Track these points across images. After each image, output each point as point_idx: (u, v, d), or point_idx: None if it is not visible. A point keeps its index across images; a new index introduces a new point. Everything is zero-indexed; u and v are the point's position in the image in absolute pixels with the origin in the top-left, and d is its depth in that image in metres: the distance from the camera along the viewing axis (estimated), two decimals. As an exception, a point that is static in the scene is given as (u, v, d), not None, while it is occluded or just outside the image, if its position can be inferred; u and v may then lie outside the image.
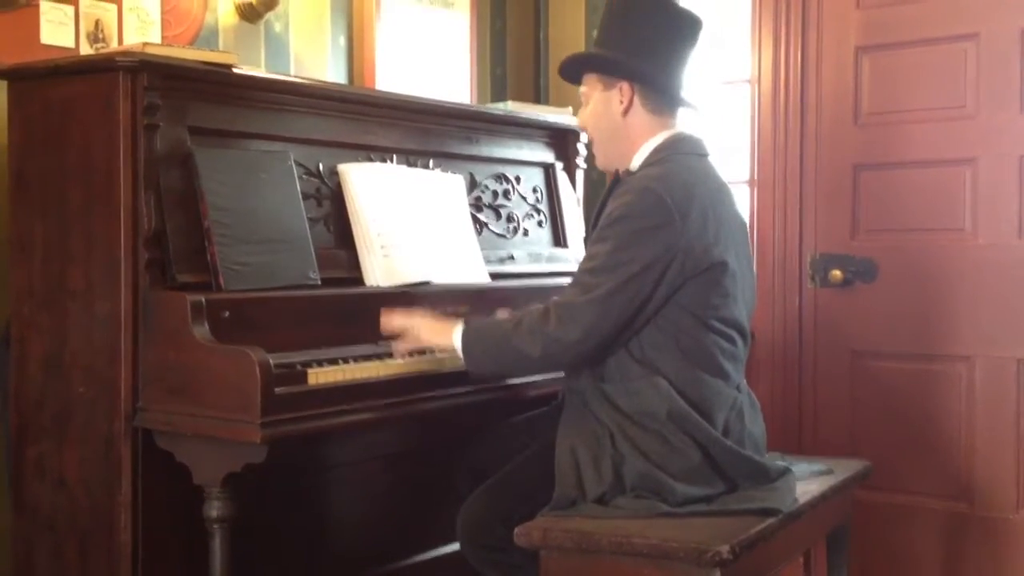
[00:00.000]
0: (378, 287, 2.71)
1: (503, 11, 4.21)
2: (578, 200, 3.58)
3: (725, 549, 2.09)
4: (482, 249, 3.10)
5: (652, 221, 2.33)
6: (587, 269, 2.38)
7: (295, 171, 2.65)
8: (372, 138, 2.93)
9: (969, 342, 3.44)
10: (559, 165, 3.52)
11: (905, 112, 3.54)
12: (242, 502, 2.35)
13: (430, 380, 2.58)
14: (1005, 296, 3.37)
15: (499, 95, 4.14)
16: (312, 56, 3.48)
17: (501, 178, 3.33)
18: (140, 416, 2.37)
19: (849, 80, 3.62)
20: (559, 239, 3.48)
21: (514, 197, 3.36)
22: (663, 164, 2.44)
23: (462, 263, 2.99)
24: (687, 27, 2.51)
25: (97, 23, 2.88)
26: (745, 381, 2.53)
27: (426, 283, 2.82)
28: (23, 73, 2.54)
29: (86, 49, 2.84)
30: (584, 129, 2.63)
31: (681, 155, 2.47)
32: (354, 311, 2.61)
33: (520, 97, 4.15)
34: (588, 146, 2.70)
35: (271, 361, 2.23)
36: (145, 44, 2.43)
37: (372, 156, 2.92)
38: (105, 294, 2.40)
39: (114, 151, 2.38)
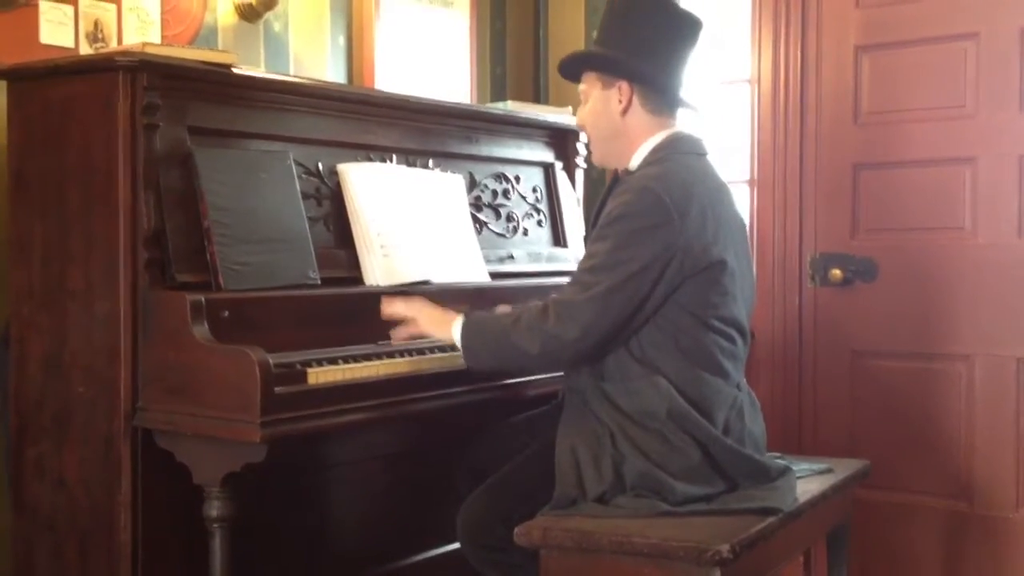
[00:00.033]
0: (378, 287, 2.71)
1: (503, 11, 4.21)
2: (578, 200, 3.58)
3: (725, 548, 2.09)
4: (482, 249, 3.10)
5: (651, 220, 2.33)
6: (586, 267, 2.38)
7: (295, 171, 2.65)
8: (372, 138, 2.93)
9: (969, 341, 3.44)
10: (559, 165, 3.52)
11: (905, 111, 3.54)
12: (242, 502, 2.35)
13: (430, 380, 2.58)
14: (1005, 295, 3.37)
15: (499, 95, 4.14)
16: (311, 56, 3.48)
17: (501, 178, 3.33)
18: (140, 416, 2.37)
19: (849, 80, 3.62)
20: (559, 239, 3.48)
21: (514, 197, 3.36)
22: (662, 163, 2.44)
23: (462, 263, 2.99)
24: (687, 27, 2.51)
25: (96, 23, 2.88)
26: (745, 380, 2.53)
27: (426, 282, 2.82)
28: (22, 73, 2.54)
29: (85, 49, 2.84)
30: (583, 128, 2.63)
31: (680, 154, 2.47)
32: (354, 311, 2.61)
33: (520, 97, 4.15)
34: (587, 145, 2.69)
35: (271, 361, 2.23)
36: (144, 44, 2.43)
37: (372, 156, 2.92)
38: (105, 294, 2.40)
39: (113, 151, 2.38)
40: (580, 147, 3.54)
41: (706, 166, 2.52)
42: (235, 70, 2.56)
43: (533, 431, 2.71)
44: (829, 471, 2.71)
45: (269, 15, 3.32)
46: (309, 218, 2.65)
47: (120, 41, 2.90)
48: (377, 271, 2.74)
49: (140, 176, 2.38)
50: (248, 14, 3.26)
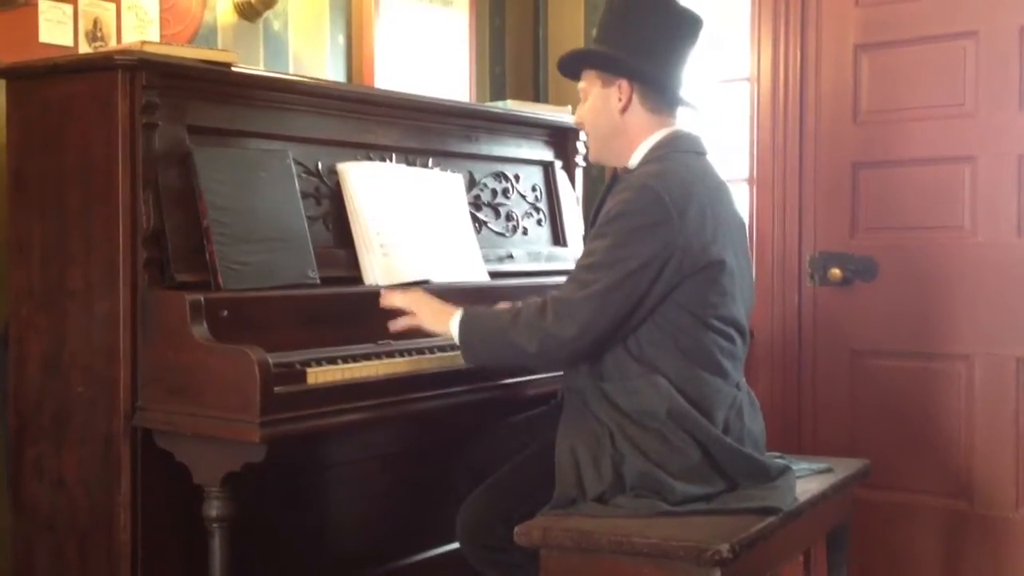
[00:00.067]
0: (377, 286, 2.71)
1: (502, 9, 4.21)
2: (577, 199, 3.58)
3: (725, 548, 2.09)
4: (481, 248, 3.09)
5: (650, 218, 2.33)
6: (585, 265, 2.38)
7: (294, 170, 2.65)
8: (371, 137, 2.92)
9: (968, 340, 3.44)
10: (558, 164, 3.52)
11: (904, 110, 3.54)
12: (241, 502, 2.35)
13: (429, 379, 2.58)
14: (1004, 294, 3.37)
15: (498, 93, 4.14)
16: (311, 54, 3.48)
17: (500, 176, 3.33)
18: (139, 416, 2.37)
19: (848, 78, 3.61)
20: (558, 238, 3.48)
21: (513, 196, 3.36)
22: (661, 162, 2.44)
23: (461, 262, 2.99)
24: (687, 26, 2.51)
25: (96, 22, 2.87)
26: (744, 379, 2.53)
27: (425, 282, 2.82)
28: (21, 72, 2.53)
29: (85, 48, 2.83)
30: (582, 126, 2.63)
31: (679, 153, 2.47)
32: (353, 310, 2.61)
33: (519, 95, 4.15)
34: (587, 143, 2.69)
35: (270, 360, 2.23)
36: (144, 43, 2.43)
37: (371, 155, 2.92)
38: (104, 294, 2.40)
39: (113, 150, 2.38)
40: (580, 146, 3.54)
41: (705, 165, 2.52)
42: (234, 69, 2.56)
43: (533, 431, 2.71)
44: (829, 471, 2.71)
45: (268, 14, 3.31)
46: (308, 217, 2.65)
47: (119, 40, 2.90)
48: (376, 270, 2.74)
49: (139, 175, 2.37)
50: (247, 13, 3.26)
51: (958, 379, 3.46)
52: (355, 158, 2.86)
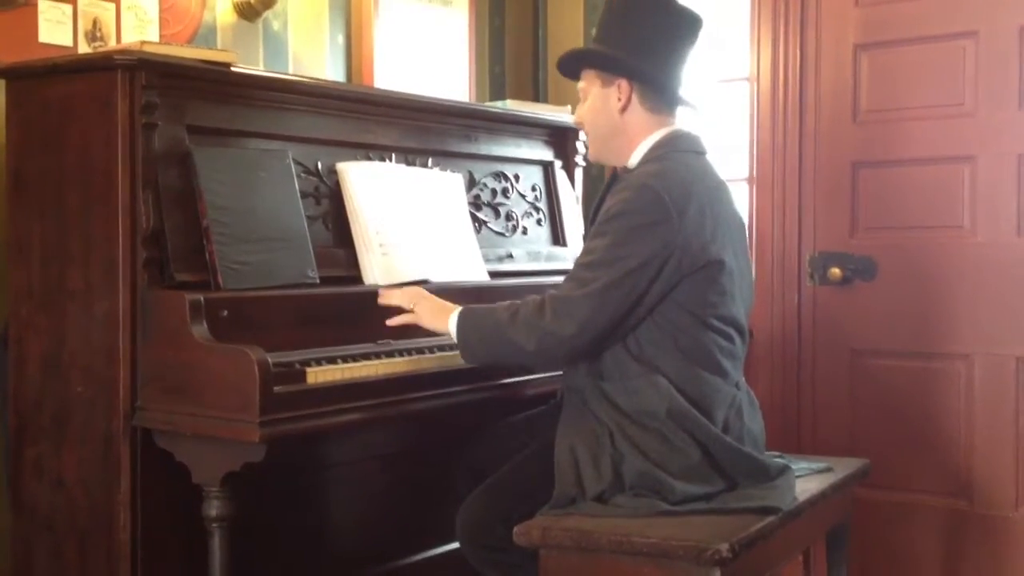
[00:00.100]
0: (377, 286, 2.71)
1: (502, 9, 4.21)
2: (577, 198, 3.58)
3: (725, 547, 2.09)
4: (481, 247, 3.09)
5: (650, 218, 2.33)
6: (584, 264, 2.38)
7: (294, 170, 2.65)
8: (371, 136, 2.92)
9: (968, 340, 3.44)
10: (558, 163, 3.52)
11: (904, 110, 3.54)
12: (241, 501, 2.35)
13: (429, 379, 2.58)
14: (1004, 294, 3.37)
15: (498, 93, 4.14)
16: (310, 54, 3.48)
17: (500, 176, 3.33)
18: (139, 415, 2.37)
19: (848, 78, 3.61)
20: (558, 237, 3.48)
21: (513, 195, 3.36)
22: (661, 161, 2.44)
23: (461, 261, 2.99)
24: (686, 25, 2.51)
25: (95, 22, 2.87)
26: (744, 379, 2.53)
27: (425, 281, 2.81)
28: (21, 72, 2.53)
29: (84, 48, 2.83)
30: (581, 125, 2.63)
31: (679, 152, 2.47)
32: (353, 310, 2.61)
33: (519, 95, 4.15)
34: (586, 143, 2.69)
35: (270, 360, 2.23)
36: (143, 43, 2.43)
37: (371, 155, 2.92)
38: (103, 294, 2.40)
39: (112, 150, 2.38)
40: (579, 145, 3.54)
41: (705, 164, 2.52)
42: (234, 69, 2.56)
43: (532, 431, 2.71)
44: (828, 470, 2.71)
45: (268, 14, 3.31)
46: (308, 217, 2.65)
47: (119, 40, 2.90)
48: (376, 270, 2.74)
49: (139, 175, 2.37)
50: (247, 13, 3.26)
51: (958, 379, 3.46)
52: (355, 158, 2.86)
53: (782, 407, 3.71)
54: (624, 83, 2.49)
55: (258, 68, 3.23)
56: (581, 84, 2.57)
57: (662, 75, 2.49)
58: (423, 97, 3.15)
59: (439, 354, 2.66)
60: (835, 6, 3.63)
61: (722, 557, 2.08)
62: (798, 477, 2.54)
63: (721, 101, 3.96)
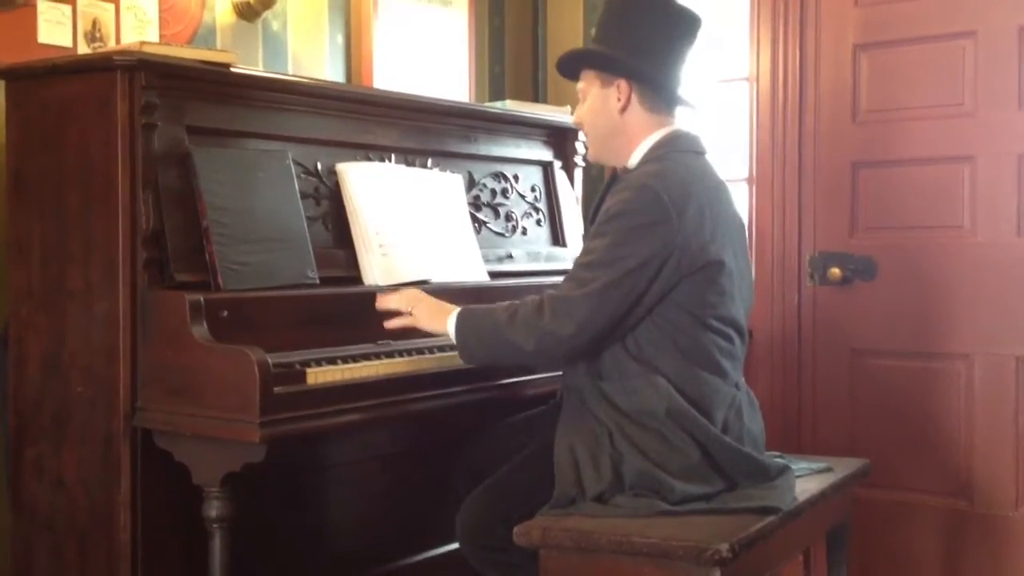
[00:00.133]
0: (377, 286, 2.71)
1: (501, 9, 4.21)
2: (576, 199, 3.58)
3: (724, 547, 2.09)
4: (481, 248, 3.09)
5: (649, 218, 2.33)
6: (583, 263, 2.38)
7: (293, 170, 2.65)
8: (370, 137, 2.92)
9: (968, 340, 3.44)
10: (557, 164, 3.52)
11: (903, 110, 3.54)
12: (241, 502, 2.35)
13: (429, 379, 2.58)
14: (1004, 294, 3.37)
15: (497, 94, 4.14)
16: (310, 55, 3.48)
17: (500, 177, 3.33)
18: (139, 416, 2.37)
19: (847, 78, 3.61)
20: (558, 238, 3.48)
21: (512, 196, 3.36)
22: (661, 162, 2.44)
23: (461, 262, 2.99)
24: (685, 25, 2.51)
25: (95, 22, 2.87)
26: (743, 379, 2.53)
27: (425, 282, 2.82)
28: (21, 73, 2.53)
29: (84, 48, 2.83)
30: (581, 126, 2.63)
31: (679, 153, 2.47)
32: (353, 310, 2.61)
33: (518, 96, 4.15)
34: (586, 143, 2.69)
35: (270, 360, 2.23)
36: (143, 43, 2.43)
37: (370, 155, 2.92)
38: (103, 294, 2.40)
39: (112, 150, 2.38)
40: (579, 146, 3.54)
41: (705, 164, 2.52)
42: (233, 69, 2.56)
43: (531, 431, 2.71)
44: (828, 470, 2.71)
45: (267, 14, 3.31)
46: (308, 217, 2.65)
47: (118, 40, 2.90)
48: (376, 270, 2.74)
49: (139, 176, 2.37)
50: (246, 13, 3.26)
51: (958, 379, 3.46)
52: (354, 158, 2.86)
53: (782, 407, 3.71)
54: (623, 83, 2.49)
55: (257, 68, 3.23)
56: (580, 85, 2.57)
57: (661, 75, 2.49)
58: (423, 97, 3.15)
59: (439, 354, 2.66)
60: (835, 6, 3.63)
61: (722, 557, 2.08)
62: (798, 477, 2.54)
63: (721, 101, 3.96)
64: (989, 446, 3.41)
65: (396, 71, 3.66)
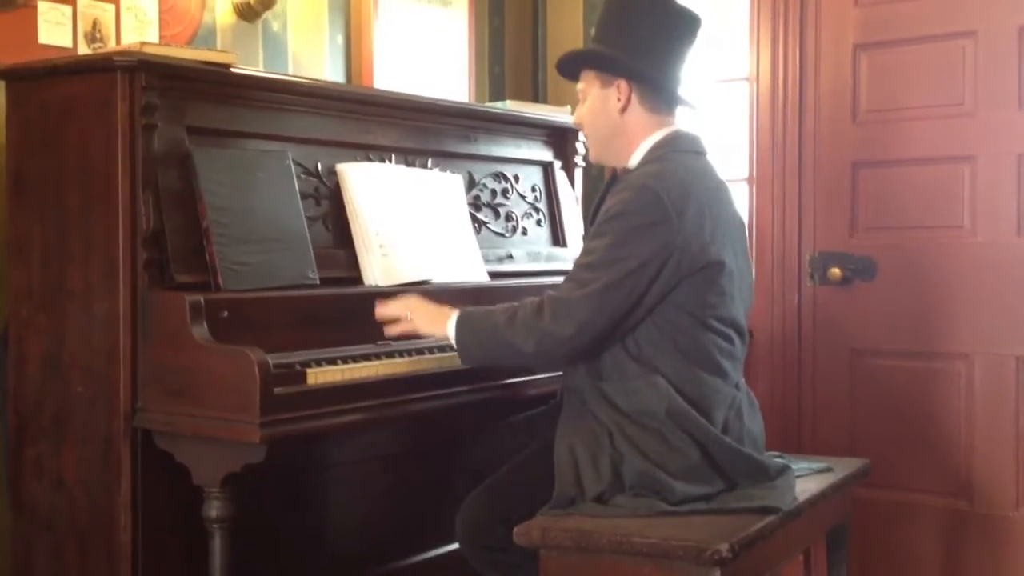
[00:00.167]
0: (377, 286, 2.71)
1: (501, 9, 4.21)
2: (576, 199, 3.58)
3: (725, 547, 2.09)
4: (481, 248, 3.10)
5: (649, 218, 2.33)
6: (583, 264, 2.38)
7: (293, 170, 2.65)
8: (370, 137, 2.92)
9: (968, 340, 3.44)
10: (558, 164, 3.52)
11: (903, 110, 3.54)
12: (241, 502, 2.35)
13: (429, 380, 2.58)
14: (1004, 294, 3.37)
15: (497, 94, 4.14)
16: (310, 55, 3.48)
17: (500, 177, 3.33)
18: (139, 416, 2.37)
19: (847, 78, 3.61)
20: (558, 238, 3.48)
21: (513, 196, 3.36)
22: (661, 162, 2.44)
23: (461, 262, 2.99)
24: (685, 25, 2.51)
25: (95, 23, 2.87)
26: (743, 379, 2.53)
27: (425, 282, 2.82)
28: (21, 73, 2.53)
29: (84, 49, 2.83)
30: (580, 126, 2.63)
31: (679, 153, 2.47)
32: (353, 311, 2.61)
33: (518, 96, 4.15)
34: (586, 144, 2.69)
35: (270, 361, 2.23)
36: (143, 44, 2.43)
37: (371, 155, 2.92)
38: (104, 294, 2.40)
39: (112, 151, 2.38)
40: (579, 146, 3.54)
41: (705, 165, 2.52)
42: (233, 70, 2.56)
43: (532, 431, 2.71)
44: (828, 470, 2.71)
45: (268, 14, 3.31)
46: (308, 218, 2.65)
47: (118, 41, 2.90)
48: (376, 271, 2.74)
49: (139, 176, 2.38)
50: (246, 13, 3.26)
51: (958, 379, 3.46)
52: (354, 159, 2.86)
53: (782, 407, 3.71)
54: (623, 83, 2.48)
55: (258, 69, 3.23)
56: (580, 85, 2.57)
57: (661, 75, 2.49)
58: (423, 98, 3.15)
59: (439, 355, 2.66)
60: (835, 6, 3.63)
61: (722, 557, 2.08)
62: (798, 477, 2.54)
63: (721, 101, 3.96)
64: (989, 446, 3.41)
65: (396, 71, 3.67)
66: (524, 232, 3.38)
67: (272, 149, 2.65)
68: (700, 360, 2.39)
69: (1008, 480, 3.39)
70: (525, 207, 3.40)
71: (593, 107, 2.54)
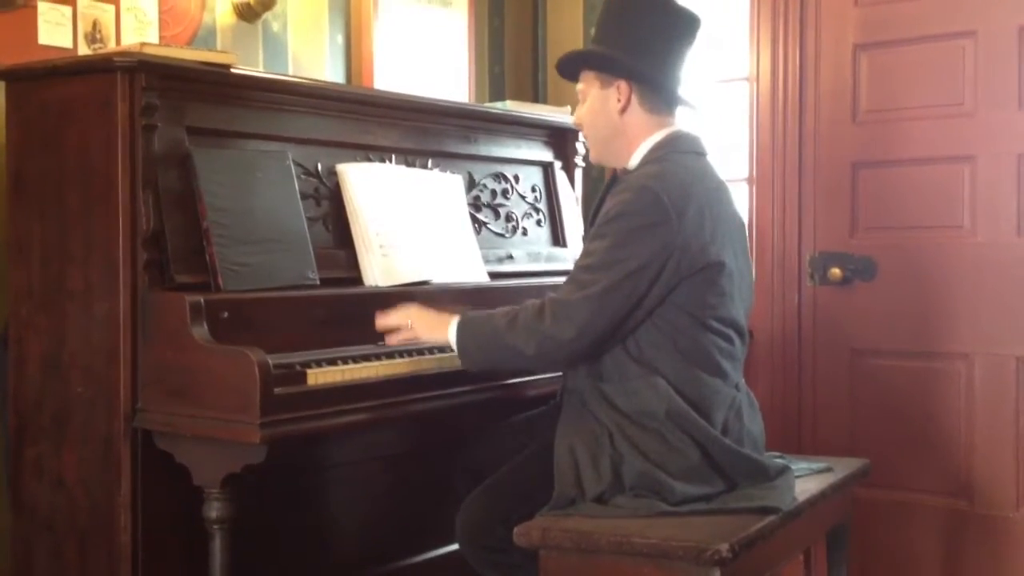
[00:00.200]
0: (377, 287, 2.71)
1: (501, 9, 4.21)
2: (576, 199, 3.58)
3: (724, 548, 2.09)
4: (481, 248, 3.10)
5: (649, 219, 2.33)
6: (583, 266, 2.38)
7: (293, 171, 2.65)
8: (370, 138, 2.92)
9: (968, 340, 3.44)
10: (558, 164, 3.52)
11: (903, 110, 3.54)
12: (241, 503, 2.35)
13: (429, 380, 2.58)
14: (1004, 294, 3.37)
15: (497, 94, 4.14)
16: (310, 55, 3.48)
17: (500, 177, 3.33)
18: (139, 417, 2.37)
19: (847, 78, 3.61)
20: (558, 238, 3.48)
21: (513, 196, 3.36)
22: (661, 163, 2.44)
23: (461, 262, 2.99)
24: (685, 25, 2.51)
25: (95, 23, 2.87)
26: (743, 380, 2.53)
27: (425, 283, 2.82)
28: (21, 74, 2.54)
29: (84, 50, 2.83)
30: (580, 127, 2.63)
31: (679, 154, 2.47)
32: (353, 311, 2.61)
33: (518, 96, 4.15)
34: (586, 144, 2.69)
35: (270, 361, 2.23)
36: (143, 44, 2.43)
37: (371, 156, 2.92)
38: (104, 295, 2.40)
39: (112, 151, 2.38)
40: (579, 146, 3.54)
41: (705, 165, 2.51)
42: (233, 70, 2.56)
43: (531, 431, 2.71)
44: (828, 470, 2.71)
45: (267, 15, 3.31)
46: (308, 218, 2.65)
47: (118, 42, 2.90)
48: (376, 271, 2.74)
49: (139, 177, 2.38)
50: (246, 14, 3.26)
51: (958, 379, 3.46)
52: (354, 159, 2.86)
53: (782, 407, 3.71)
54: (623, 84, 2.48)
55: (258, 69, 3.23)
56: (580, 86, 2.57)
57: (661, 75, 2.49)
58: (423, 98, 3.15)
59: (439, 355, 2.66)
60: (835, 6, 3.63)
61: (722, 557, 2.08)
62: (798, 477, 2.54)
63: (721, 101, 3.96)
64: (989, 446, 3.41)
65: (396, 72, 3.67)
66: (524, 232, 3.38)
67: (272, 149, 2.65)
68: (700, 361, 2.39)
69: (1008, 480, 3.39)
70: (525, 207, 3.40)
71: (593, 108, 2.54)
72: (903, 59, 3.53)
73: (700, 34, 2.54)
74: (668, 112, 2.53)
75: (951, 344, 3.46)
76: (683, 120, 2.58)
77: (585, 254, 2.41)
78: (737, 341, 2.46)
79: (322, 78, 3.44)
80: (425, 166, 3.06)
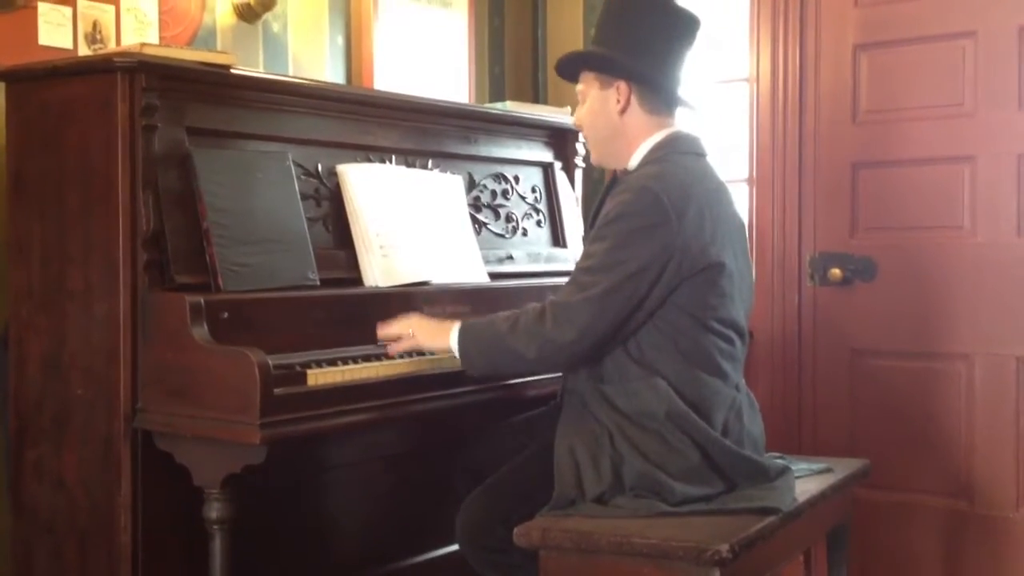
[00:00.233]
0: (377, 287, 2.71)
1: (501, 10, 4.21)
2: (577, 200, 3.58)
3: (725, 548, 2.09)
4: (481, 249, 3.10)
5: (649, 220, 2.33)
6: (584, 268, 2.38)
7: (293, 171, 2.65)
8: (371, 138, 2.93)
9: (968, 340, 3.44)
10: (558, 165, 3.52)
11: (903, 110, 3.54)
12: (242, 503, 2.35)
13: (429, 380, 2.58)
14: (1004, 294, 3.37)
15: (497, 95, 4.14)
16: (310, 56, 3.48)
17: (500, 178, 3.33)
18: (139, 417, 2.37)
19: (847, 78, 3.62)
20: (558, 239, 3.48)
21: (513, 197, 3.36)
22: (661, 163, 2.44)
23: (461, 263, 2.99)
24: (684, 25, 2.51)
25: (95, 24, 2.88)
26: (744, 381, 2.53)
27: (425, 283, 2.82)
28: (21, 74, 2.54)
29: (84, 50, 2.83)
30: (580, 128, 2.63)
31: (679, 154, 2.47)
32: (353, 311, 2.61)
33: (518, 96, 4.15)
34: (586, 144, 2.69)
35: (270, 362, 2.23)
36: (143, 45, 2.43)
37: (371, 156, 2.92)
38: (104, 295, 2.40)
39: (112, 152, 2.38)
40: (579, 147, 3.54)
41: (705, 166, 2.51)
42: (233, 71, 2.56)
43: (532, 432, 2.71)
44: (828, 471, 2.71)
45: (268, 15, 3.32)
46: (308, 219, 2.65)
47: (118, 42, 2.90)
48: (376, 271, 2.74)
49: (139, 177, 2.38)
50: (246, 14, 3.26)
51: (958, 379, 3.46)
52: (355, 160, 2.86)
53: (782, 408, 3.71)
54: (623, 85, 2.48)
55: (258, 70, 3.23)
56: (580, 87, 2.57)
57: (661, 76, 2.49)
58: (423, 99, 3.15)
59: (439, 356, 2.66)
60: (835, 6, 3.63)
61: (722, 558, 2.08)
62: (798, 478, 2.54)
63: (720, 102, 3.96)
64: (989, 446, 3.41)
65: (396, 72, 3.67)
66: (524, 233, 3.38)
67: (272, 150, 2.65)
68: (700, 362, 2.39)
69: (1008, 480, 3.39)
70: (525, 208, 3.40)
71: (592, 108, 2.54)
72: (903, 59, 3.53)
73: (700, 35, 2.54)
74: (668, 113, 2.53)
75: (951, 344, 3.46)
76: (683, 121, 2.58)
77: (585, 256, 2.41)
78: (737, 342, 2.46)
79: (322, 79, 3.44)
80: (425, 167, 3.06)
